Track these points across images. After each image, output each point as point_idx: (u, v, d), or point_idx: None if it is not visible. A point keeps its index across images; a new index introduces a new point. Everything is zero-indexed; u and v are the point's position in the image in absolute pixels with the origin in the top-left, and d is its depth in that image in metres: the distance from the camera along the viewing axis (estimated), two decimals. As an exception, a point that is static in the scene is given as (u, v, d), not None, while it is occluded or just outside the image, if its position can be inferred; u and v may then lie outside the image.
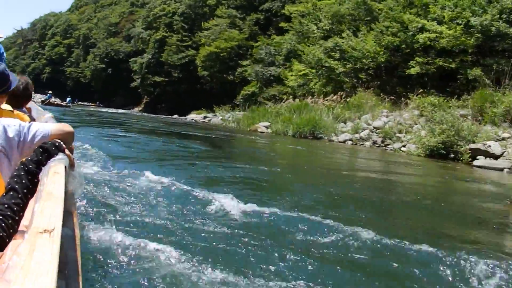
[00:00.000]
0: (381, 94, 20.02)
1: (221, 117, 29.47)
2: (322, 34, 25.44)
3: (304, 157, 12.78)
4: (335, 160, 12.13)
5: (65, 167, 1.47)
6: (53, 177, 1.32)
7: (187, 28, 51.97)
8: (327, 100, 22.36)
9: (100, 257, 2.92)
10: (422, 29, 18.55)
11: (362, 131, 17.54)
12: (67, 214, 1.42)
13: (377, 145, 16.52)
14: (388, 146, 16.17)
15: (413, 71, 18.46)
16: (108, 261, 2.87)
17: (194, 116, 36.08)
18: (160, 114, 52.38)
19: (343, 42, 22.15)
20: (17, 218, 1.26)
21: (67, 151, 1.65)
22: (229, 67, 38.31)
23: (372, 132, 17.27)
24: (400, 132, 16.50)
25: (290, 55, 28.94)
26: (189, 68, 49.93)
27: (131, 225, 3.66)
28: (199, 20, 50.63)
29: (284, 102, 25.22)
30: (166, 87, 55.00)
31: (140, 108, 64.57)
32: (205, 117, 33.42)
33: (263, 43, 33.76)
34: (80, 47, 79.15)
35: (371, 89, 20.41)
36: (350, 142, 17.22)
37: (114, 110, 49.72)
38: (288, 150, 14.40)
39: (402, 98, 18.82)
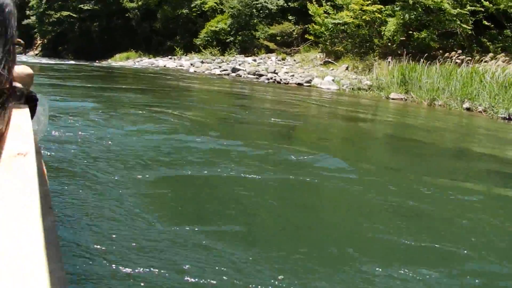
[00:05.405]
0: None
1: (333, 78, 16.83)
2: None
3: None
4: None
5: None
6: (16, 111, 1.19)
7: None
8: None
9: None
10: None
11: None
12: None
13: None
14: None
15: None
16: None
17: (162, 62, 25.33)
18: (64, 58, 42.83)
19: None
20: None
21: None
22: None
23: None
24: None
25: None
26: (106, 1, 40.57)
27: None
28: None
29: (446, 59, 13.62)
30: (73, 24, 44.81)
31: (37, 52, 52.98)
32: (202, 66, 22.00)
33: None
34: None
35: None
36: None
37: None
38: None
39: None
